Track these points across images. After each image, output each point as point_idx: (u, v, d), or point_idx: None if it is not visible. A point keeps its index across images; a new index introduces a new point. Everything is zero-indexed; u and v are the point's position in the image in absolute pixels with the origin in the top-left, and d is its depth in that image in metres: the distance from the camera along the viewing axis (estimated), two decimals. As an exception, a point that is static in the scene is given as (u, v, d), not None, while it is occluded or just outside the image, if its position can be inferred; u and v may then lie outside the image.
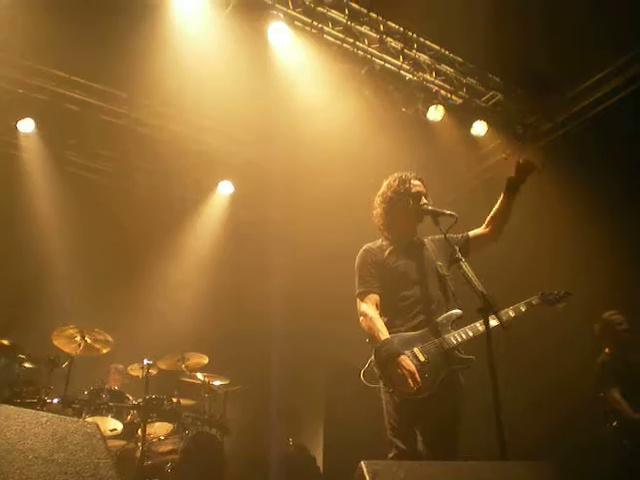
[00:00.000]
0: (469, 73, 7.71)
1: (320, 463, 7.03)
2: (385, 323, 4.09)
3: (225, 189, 8.71)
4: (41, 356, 6.55)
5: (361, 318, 4.16)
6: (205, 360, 7.11)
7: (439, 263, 4.26)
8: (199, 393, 7.09)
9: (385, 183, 4.45)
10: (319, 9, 6.88)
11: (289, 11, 6.78)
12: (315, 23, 6.89)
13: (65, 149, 7.94)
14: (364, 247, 4.39)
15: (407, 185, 4.32)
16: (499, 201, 4.34)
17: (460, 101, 7.81)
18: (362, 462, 2.94)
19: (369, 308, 4.15)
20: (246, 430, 7.48)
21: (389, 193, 4.37)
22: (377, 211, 4.43)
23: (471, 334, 4.06)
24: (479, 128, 7.88)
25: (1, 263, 7.26)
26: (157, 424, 6.62)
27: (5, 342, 6.46)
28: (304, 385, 8.22)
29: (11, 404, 6.21)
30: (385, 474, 2.89)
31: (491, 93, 7.89)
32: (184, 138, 7.79)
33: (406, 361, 3.87)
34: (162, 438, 6.61)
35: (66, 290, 7.42)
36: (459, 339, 4.06)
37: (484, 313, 3.73)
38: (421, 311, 4.13)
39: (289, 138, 7.53)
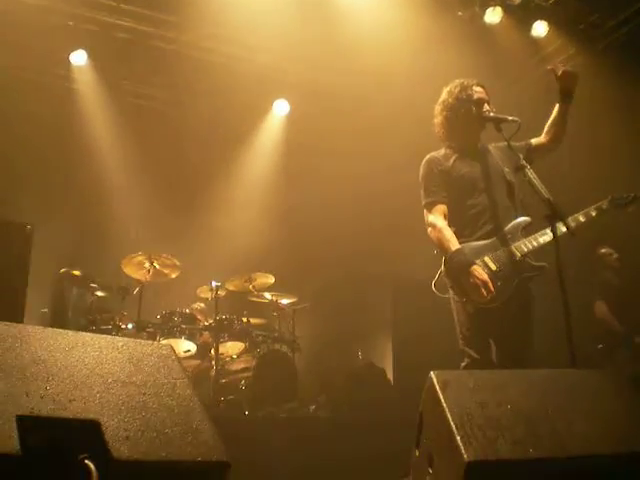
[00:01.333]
0: (528, -30, 7.34)
1: (390, 377, 7.13)
2: (454, 233, 4.04)
3: (281, 109, 8.60)
4: (112, 284, 6.77)
5: (429, 229, 4.12)
6: (272, 279, 7.21)
7: (506, 169, 4.17)
8: (268, 312, 7.24)
9: (446, 90, 4.32)
10: None
11: None
12: None
13: (119, 78, 7.93)
14: (428, 156, 4.31)
15: (469, 92, 4.19)
16: (555, 110, 4.22)
17: (519, 0, 7.46)
18: (432, 372, 2.95)
19: (437, 219, 4.09)
20: (316, 346, 7.62)
21: (450, 100, 4.25)
22: (438, 119, 4.32)
23: (541, 241, 3.99)
24: (540, 29, 7.53)
25: (64, 196, 7.41)
26: (229, 344, 6.82)
27: (76, 272, 6.67)
28: (370, 302, 8.27)
29: (87, 332, 6.48)
30: (455, 383, 2.90)
31: (552, -10, 7.51)
32: (237, 58, 7.68)
33: (478, 270, 3.85)
34: (235, 357, 6.80)
35: (131, 217, 7.55)
36: (530, 246, 4.00)
37: (552, 220, 3.67)
38: (489, 219, 4.06)
39: (342, 56, 7.34)
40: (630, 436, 2.75)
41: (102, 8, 7.15)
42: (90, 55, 7.64)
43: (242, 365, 6.70)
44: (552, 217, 3.66)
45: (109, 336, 2.61)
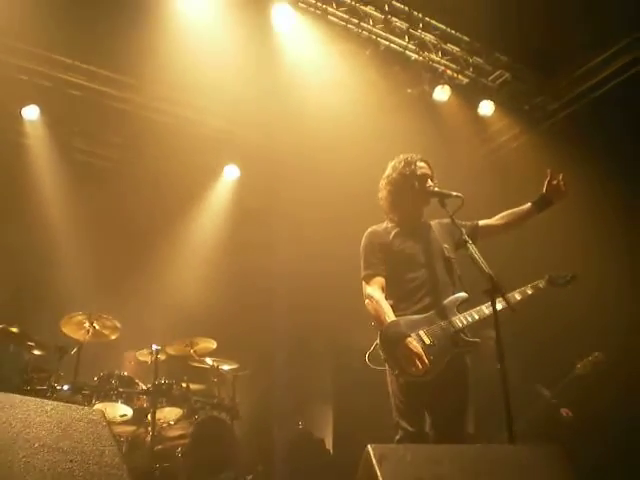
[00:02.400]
0: (476, 52, 7.63)
1: (330, 446, 7.05)
2: (391, 306, 4.09)
3: (231, 173, 8.66)
4: (50, 343, 6.58)
5: (367, 301, 4.17)
6: (213, 345, 7.12)
7: (445, 246, 4.26)
8: (208, 378, 7.10)
9: (390, 165, 4.44)
10: (323, -11, 6.82)
11: (293, -8, 6.71)
12: (319, 4, 6.83)
13: (70, 135, 7.91)
14: (369, 229, 4.40)
15: (413, 167, 4.31)
16: (525, 208, 4.36)
17: (467, 80, 7.74)
18: (369, 446, 2.93)
19: (375, 291, 4.16)
20: (256, 414, 7.49)
21: (394, 175, 4.36)
22: (382, 193, 4.42)
23: (477, 317, 4.08)
24: (486, 108, 7.81)
25: (6, 252, 7.25)
26: (167, 409, 6.63)
27: (14, 330, 6.47)
28: (312, 372, 8.22)
29: (21, 391, 6.24)
30: (392, 457, 2.88)
31: (498, 72, 7.80)
32: (189, 121, 7.75)
33: (413, 343, 3.89)
34: (172, 423, 6.62)
35: (73, 277, 7.42)
36: (465, 322, 4.07)
37: (491, 295, 3.73)
38: (427, 294, 4.14)
39: (294, 121, 7.47)
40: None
41: (57, 64, 7.18)
42: (42, 110, 7.60)
43: (179, 432, 6.53)
44: (492, 292, 3.74)
45: (38, 399, 2.54)
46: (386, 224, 4.40)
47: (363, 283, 4.25)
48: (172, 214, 8.23)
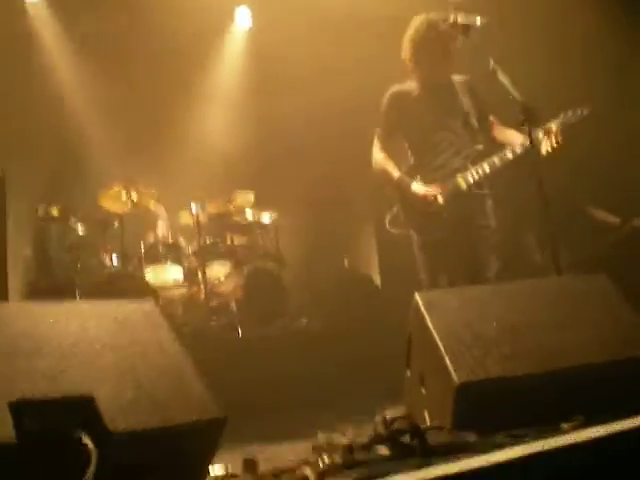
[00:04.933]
0: None
1: (377, 282, 7.21)
2: (412, 165, 4.22)
3: (243, 18, 8.27)
4: (92, 218, 6.70)
5: (374, 160, 4.25)
6: (251, 197, 7.19)
7: (465, 100, 4.20)
8: (251, 230, 7.21)
9: (413, 25, 4.27)
10: None
11: None
12: None
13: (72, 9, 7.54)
14: (390, 90, 4.38)
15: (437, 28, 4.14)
16: (515, 143, 4.05)
17: None
18: (416, 294, 2.99)
19: (379, 152, 4.30)
20: (302, 259, 7.61)
21: (416, 35, 4.22)
22: (405, 53, 4.31)
23: (487, 168, 4.05)
24: None
25: (34, 136, 7.19)
26: (215, 266, 6.82)
27: (54, 210, 6.58)
28: (353, 207, 8.19)
29: (72, 269, 6.47)
30: (440, 303, 2.94)
31: None
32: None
33: (417, 185, 4.05)
34: (222, 279, 6.81)
35: (103, 151, 7.40)
36: (475, 175, 4.06)
37: (528, 123, 3.65)
38: (444, 151, 4.14)
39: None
40: (620, 342, 2.81)
41: None
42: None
43: (231, 286, 6.73)
44: (528, 121, 3.65)
45: (92, 301, 2.60)
46: (408, 83, 4.34)
47: (375, 140, 4.34)
48: (187, 68, 7.94)
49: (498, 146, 4.25)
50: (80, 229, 6.61)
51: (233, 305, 6.60)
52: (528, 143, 3.69)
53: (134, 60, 7.54)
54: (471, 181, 4.06)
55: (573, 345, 2.78)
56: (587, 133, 4.35)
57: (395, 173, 4.17)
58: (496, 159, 4.02)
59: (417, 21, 4.25)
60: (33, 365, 2.09)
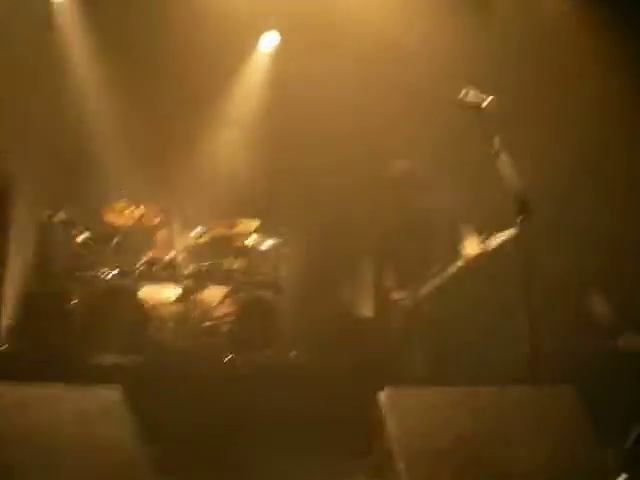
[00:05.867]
0: None
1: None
2: None
3: (269, 41, 8.28)
4: (96, 230, 6.79)
5: None
6: (256, 223, 7.22)
7: None
8: (251, 256, 7.23)
9: None
10: None
11: None
12: None
13: (99, 12, 7.58)
14: None
15: None
16: None
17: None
18: (381, 393, 2.99)
19: None
20: (301, 289, 7.62)
21: None
22: None
23: None
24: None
25: (44, 137, 7.23)
26: (211, 288, 6.88)
27: (60, 217, 6.68)
28: (353, 241, 8.17)
29: (72, 278, 6.57)
30: (403, 406, 2.92)
31: None
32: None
33: None
34: (217, 302, 6.87)
35: (113, 164, 7.47)
36: None
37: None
38: None
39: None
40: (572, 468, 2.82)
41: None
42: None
43: (224, 310, 6.79)
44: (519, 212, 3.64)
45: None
46: None
47: None
48: (209, 90, 7.95)
49: None
50: (82, 239, 6.69)
51: (224, 329, 6.65)
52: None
53: (155, 75, 7.57)
54: None
55: (527, 464, 2.81)
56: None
57: None
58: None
59: None
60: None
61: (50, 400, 2.46)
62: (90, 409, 2.48)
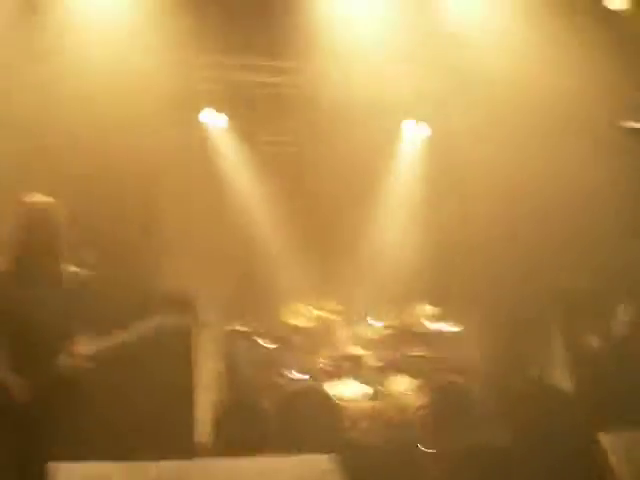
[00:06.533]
0: None
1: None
2: None
3: (416, 131, 8.38)
4: (276, 334, 6.92)
5: None
6: (431, 310, 7.09)
7: None
8: (432, 341, 7.05)
9: None
10: None
11: None
12: None
13: (249, 130, 8.00)
14: None
15: None
16: None
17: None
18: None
19: None
20: (486, 369, 7.30)
21: None
22: None
23: None
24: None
25: (219, 255, 7.55)
26: (398, 380, 6.72)
27: (242, 329, 6.89)
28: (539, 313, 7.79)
29: (260, 384, 6.66)
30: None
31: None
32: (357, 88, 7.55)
33: None
34: (405, 393, 6.67)
35: (281, 267, 7.67)
36: None
37: None
38: None
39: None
40: None
41: (223, 67, 7.33)
42: (221, 113, 7.84)
43: (415, 401, 6.58)
44: None
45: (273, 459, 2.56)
46: None
47: None
48: (361, 182, 8.09)
49: None
50: (267, 345, 6.82)
51: (418, 420, 6.43)
52: None
53: (312, 177, 7.80)
54: None
55: None
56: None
57: None
58: None
59: None
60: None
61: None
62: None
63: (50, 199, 3.99)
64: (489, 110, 7.05)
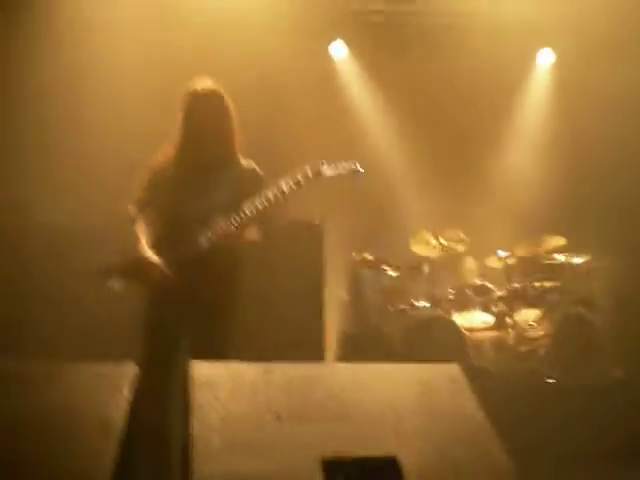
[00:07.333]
0: None
1: None
2: None
3: (545, 58, 8.14)
4: (402, 264, 7.02)
5: None
6: (561, 241, 6.96)
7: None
8: (561, 274, 6.93)
9: None
10: None
11: None
12: None
13: (377, 61, 7.97)
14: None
15: None
16: None
17: None
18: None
19: None
20: (616, 304, 7.12)
21: None
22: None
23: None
24: None
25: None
26: (524, 311, 6.71)
27: (368, 257, 7.00)
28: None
29: (384, 312, 6.80)
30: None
31: None
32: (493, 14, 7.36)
33: None
34: (532, 324, 6.66)
35: (409, 197, 7.72)
36: None
37: None
38: None
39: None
40: None
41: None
42: (348, 44, 7.91)
43: (540, 332, 6.57)
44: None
45: (400, 365, 2.69)
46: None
47: None
48: (492, 110, 7.92)
49: None
50: (392, 274, 6.94)
51: (542, 351, 6.42)
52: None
53: (437, 104, 7.73)
54: None
55: None
56: None
57: None
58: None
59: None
60: (341, 429, 2.25)
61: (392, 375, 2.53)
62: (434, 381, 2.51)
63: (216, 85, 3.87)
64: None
